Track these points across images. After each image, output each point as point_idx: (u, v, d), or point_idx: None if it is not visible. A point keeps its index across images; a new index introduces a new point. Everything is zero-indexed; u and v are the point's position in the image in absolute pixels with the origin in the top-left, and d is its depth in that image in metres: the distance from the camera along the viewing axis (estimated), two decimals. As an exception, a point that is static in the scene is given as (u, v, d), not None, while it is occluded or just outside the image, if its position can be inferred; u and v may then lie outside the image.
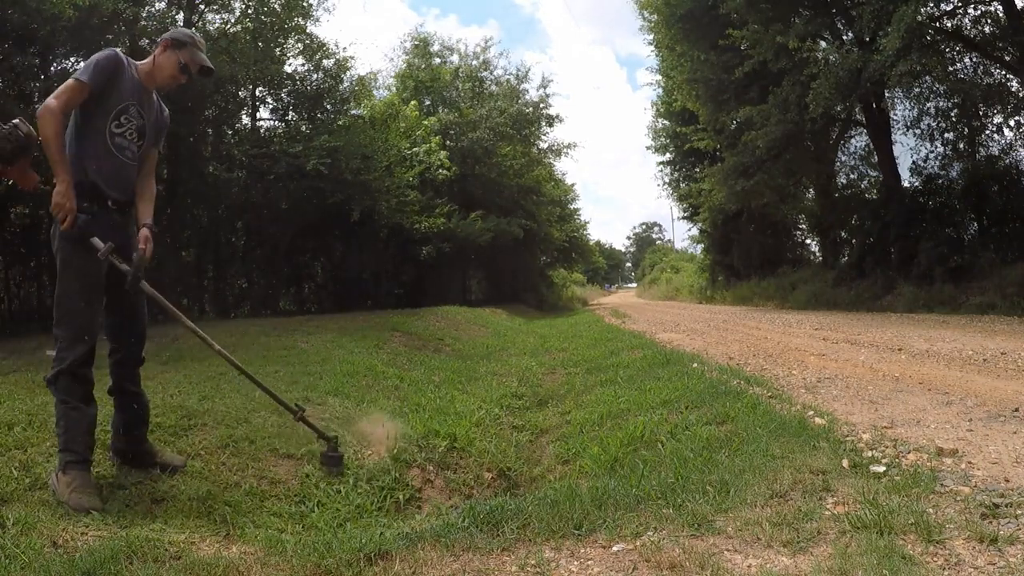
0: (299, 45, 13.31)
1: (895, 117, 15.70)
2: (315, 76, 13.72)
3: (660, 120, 27.30)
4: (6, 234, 11.13)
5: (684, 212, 30.73)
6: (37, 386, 4.06)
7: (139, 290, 2.74)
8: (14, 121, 2.61)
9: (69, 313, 2.65)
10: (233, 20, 12.26)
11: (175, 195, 12.12)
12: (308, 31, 13.19)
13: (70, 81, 2.68)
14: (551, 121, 23.79)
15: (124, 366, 2.86)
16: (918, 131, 15.34)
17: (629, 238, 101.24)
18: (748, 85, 15.68)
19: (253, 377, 3.18)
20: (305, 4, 12.74)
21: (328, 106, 13.77)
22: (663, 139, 27.41)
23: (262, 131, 14.00)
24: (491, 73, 23.71)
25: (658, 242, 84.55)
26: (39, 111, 2.59)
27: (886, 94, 14.72)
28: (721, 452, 2.77)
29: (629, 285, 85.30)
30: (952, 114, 14.76)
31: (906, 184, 15.14)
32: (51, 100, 2.60)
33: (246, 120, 14.09)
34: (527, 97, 23.32)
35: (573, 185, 40.14)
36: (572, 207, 31.52)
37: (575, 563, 1.75)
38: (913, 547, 1.65)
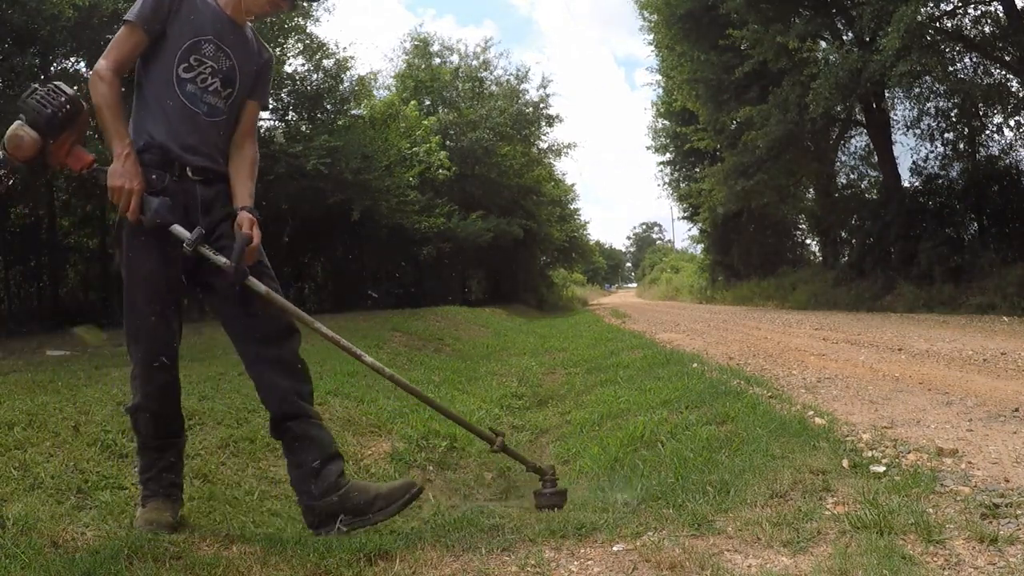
0: (299, 45, 13.30)
1: (895, 117, 15.71)
2: (315, 76, 13.72)
3: (660, 120, 27.33)
4: (6, 234, 11.13)
5: (684, 212, 30.76)
6: (37, 386, 4.06)
7: (246, 288, 2.11)
8: (56, 83, 2.11)
9: (138, 332, 2.15)
10: (233, 20, 12.26)
11: (175, 195, 12.13)
12: (308, 31, 13.19)
13: (120, 29, 2.15)
14: (551, 121, 23.80)
15: (283, 374, 2.21)
16: (918, 131, 15.35)
17: (629, 238, 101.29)
18: (748, 85, 15.69)
19: (435, 403, 2.55)
20: (305, 4, 12.73)
21: (328, 106, 13.77)
22: (663, 139, 27.43)
23: (262, 131, 13.99)
24: (491, 73, 23.71)
25: (658, 242, 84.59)
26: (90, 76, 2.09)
27: (886, 94, 14.72)
28: (721, 452, 2.77)
29: (629, 285, 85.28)
30: (952, 114, 14.76)
31: (906, 184, 15.16)
32: (100, 60, 2.09)
33: (246, 120, 14.09)
34: (527, 97, 23.32)
35: (573, 185, 40.31)
36: (572, 207, 31.52)
37: (575, 563, 1.75)
38: (913, 547, 1.65)
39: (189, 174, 2.11)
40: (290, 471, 2.22)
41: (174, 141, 2.08)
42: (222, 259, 2.06)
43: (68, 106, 2.03)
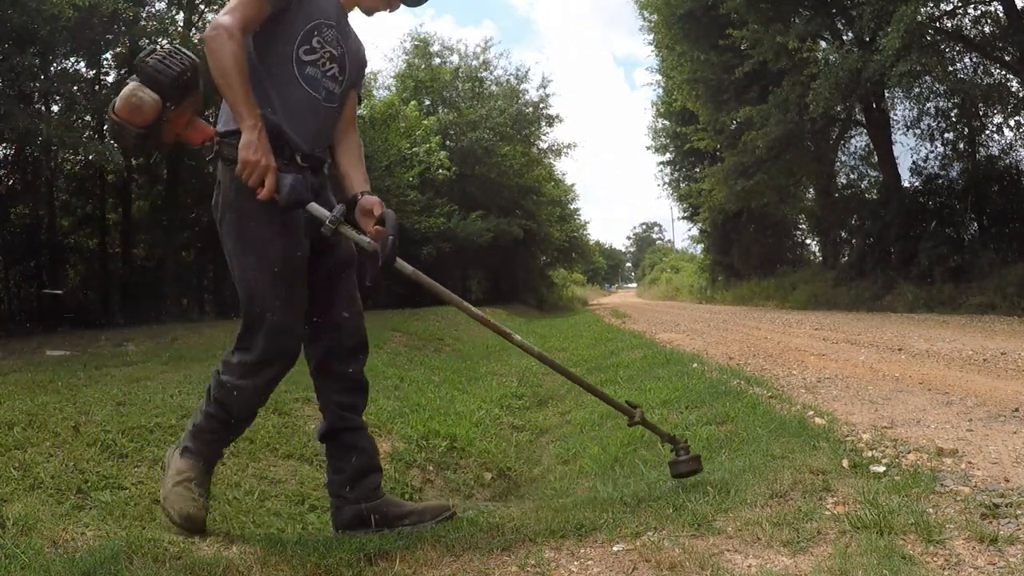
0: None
1: (895, 117, 15.72)
2: (315, 76, 13.73)
3: (660, 120, 27.34)
4: (6, 234, 11.14)
5: (684, 212, 30.78)
6: (37, 386, 4.06)
7: (393, 273, 2.02)
8: (173, 43, 1.94)
9: (260, 321, 1.97)
10: (233, 20, 12.26)
11: (175, 195, 12.13)
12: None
13: None
14: (551, 121, 23.84)
15: (347, 392, 2.15)
16: (918, 131, 15.37)
17: (629, 238, 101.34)
18: (748, 85, 15.70)
19: (580, 379, 2.57)
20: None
21: (328, 106, 13.78)
22: (663, 139, 27.44)
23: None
24: (491, 73, 23.75)
25: (658, 242, 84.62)
26: (205, 33, 1.86)
27: (886, 94, 14.73)
28: (721, 452, 2.77)
29: (629, 285, 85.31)
30: (952, 114, 14.77)
31: (906, 184, 15.16)
32: (222, 16, 1.85)
33: (246, 120, 14.10)
34: (527, 97, 23.36)
35: (573, 185, 40.29)
36: (572, 207, 31.58)
37: (575, 563, 1.75)
38: (913, 547, 1.65)
39: (298, 160, 1.97)
40: (329, 474, 2.18)
41: (289, 124, 1.93)
42: (365, 239, 1.96)
43: (191, 70, 1.87)
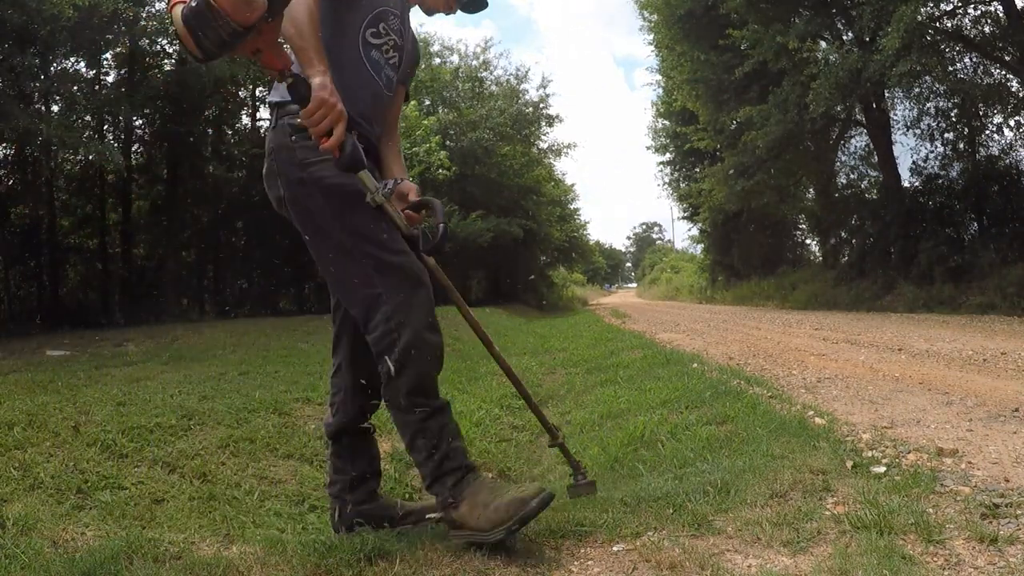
0: (299, 45, 13.31)
1: (895, 117, 15.72)
2: (315, 76, 13.73)
3: (660, 120, 27.35)
4: (6, 234, 11.14)
5: (684, 212, 30.77)
6: (37, 386, 4.06)
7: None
8: None
9: (402, 298, 1.80)
10: (233, 20, 12.27)
11: (175, 195, 12.13)
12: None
13: None
14: (551, 121, 23.81)
15: (374, 393, 2.03)
16: (918, 131, 15.36)
17: (629, 238, 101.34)
18: (748, 85, 15.70)
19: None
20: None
21: (328, 106, 13.79)
22: (663, 139, 27.44)
23: (262, 131, 14.00)
24: (491, 73, 23.72)
25: (658, 242, 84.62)
26: None
27: (886, 94, 14.73)
28: (721, 452, 2.77)
29: (629, 285, 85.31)
30: (952, 114, 14.76)
31: (906, 184, 15.16)
32: None
33: (246, 120, 14.12)
34: (527, 97, 23.34)
35: (573, 185, 40.30)
36: (572, 207, 31.55)
37: (575, 563, 1.75)
38: (913, 547, 1.65)
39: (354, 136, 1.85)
40: (331, 475, 2.12)
41: (348, 103, 1.79)
42: (404, 223, 1.87)
43: None
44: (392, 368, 1.79)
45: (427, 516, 1.98)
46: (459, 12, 2.18)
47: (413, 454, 1.86)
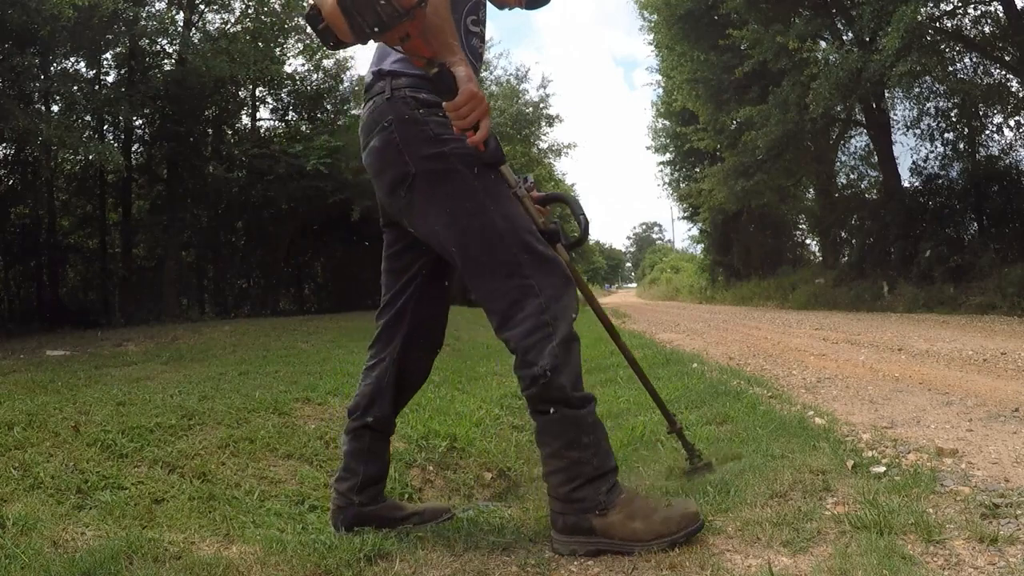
0: (299, 45, 13.33)
1: (895, 117, 15.73)
2: (315, 76, 13.75)
3: (660, 120, 27.33)
4: (6, 234, 11.15)
5: (684, 212, 30.76)
6: (37, 386, 4.06)
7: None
8: None
9: (513, 274, 1.70)
10: (233, 20, 12.29)
11: (175, 195, 12.13)
12: (308, 31, 13.20)
13: None
14: (551, 121, 23.76)
15: (392, 399, 2.00)
16: (918, 131, 15.36)
17: (629, 238, 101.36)
18: (748, 85, 15.70)
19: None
20: (305, 4, 12.75)
21: (328, 106, 13.80)
22: (663, 139, 27.43)
23: (262, 131, 14.03)
24: (491, 73, 23.68)
25: (658, 242, 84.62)
26: None
27: (886, 94, 14.73)
28: (721, 452, 2.76)
29: (629, 285, 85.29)
30: (952, 114, 14.77)
31: (906, 184, 15.17)
32: None
33: (246, 120, 14.13)
34: (527, 97, 23.30)
35: (573, 185, 40.21)
36: (572, 207, 31.47)
37: (575, 563, 1.75)
38: (913, 547, 1.65)
39: None
40: (342, 470, 2.05)
41: None
42: (540, 218, 1.83)
43: None
44: (549, 366, 1.68)
45: (438, 519, 1.98)
46: (524, 9, 2.09)
47: (570, 453, 1.71)
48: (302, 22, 12.97)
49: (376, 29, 1.52)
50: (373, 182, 1.87)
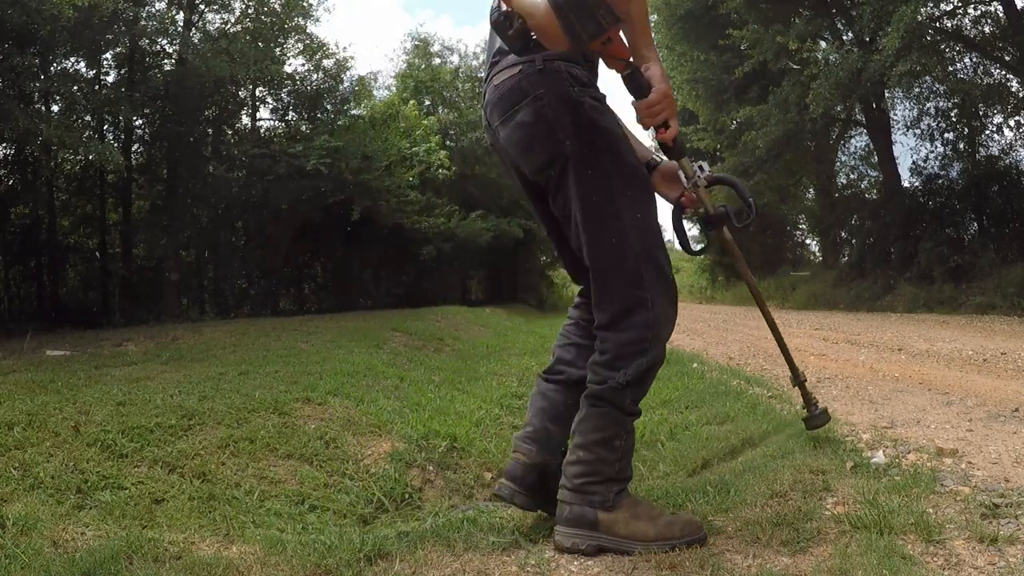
0: (299, 45, 13.33)
1: (895, 117, 15.74)
2: (315, 76, 13.74)
3: (660, 120, 27.27)
4: (6, 234, 11.14)
5: (684, 212, 30.68)
6: (37, 386, 4.06)
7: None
8: None
9: (657, 270, 1.72)
10: (233, 20, 12.29)
11: (175, 195, 12.13)
12: (308, 31, 13.21)
13: None
14: (551, 121, 23.77)
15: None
16: (918, 131, 15.38)
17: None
18: (748, 85, 15.70)
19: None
20: (305, 4, 12.76)
21: (328, 106, 13.79)
22: (663, 139, 27.38)
23: (262, 131, 14.02)
24: (491, 73, 23.71)
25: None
26: None
27: (886, 94, 14.74)
28: (721, 452, 2.77)
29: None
30: (952, 114, 14.77)
31: (906, 184, 15.18)
32: None
33: (246, 120, 14.12)
34: (527, 97, 23.30)
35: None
36: (572, 207, 31.48)
37: (575, 563, 1.75)
38: (913, 547, 1.65)
39: None
40: (570, 440, 1.88)
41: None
42: (711, 204, 1.85)
43: None
44: (629, 378, 1.72)
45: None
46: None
47: (599, 449, 1.74)
48: (302, 22, 12.97)
49: (592, 36, 1.52)
50: (512, 154, 1.81)
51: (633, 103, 1.67)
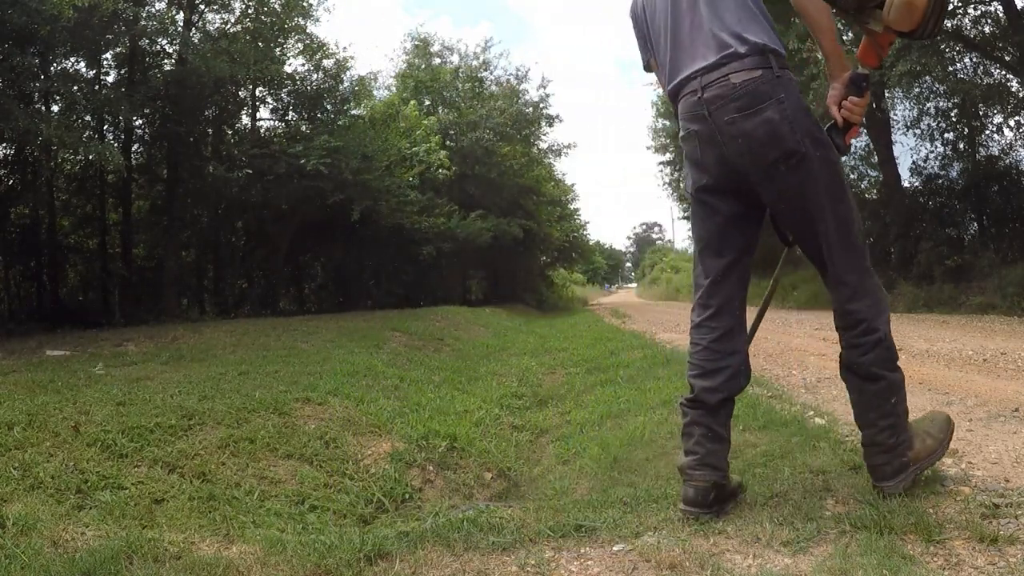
0: (299, 45, 13.31)
1: (895, 117, 15.70)
2: (315, 76, 13.73)
3: (660, 120, 27.34)
4: (6, 234, 11.14)
5: (684, 212, 30.75)
6: (37, 386, 4.06)
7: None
8: None
9: (862, 255, 2.00)
10: (233, 20, 12.27)
11: (175, 195, 12.13)
12: (308, 31, 13.20)
13: None
14: (551, 121, 23.78)
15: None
16: (918, 131, 15.34)
17: (629, 238, 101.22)
18: (748, 85, 15.66)
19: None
20: (305, 4, 12.75)
21: (328, 106, 13.78)
22: (663, 139, 27.45)
23: (262, 131, 14.00)
24: (491, 73, 23.70)
25: (658, 242, 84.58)
26: None
27: (886, 94, 14.71)
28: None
29: (629, 285, 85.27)
30: (952, 114, 14.75)
31: (906, 184, 15.14)
32: None
33: (246, 120, 14.10)
34: (527, 97, 23.32)
35: (573, 185, 40.20)
36: (572, 207, 31.49)
37: (575, 563, 1.75)
38: (913, 547, 1.65)
39: None
40: (707, 442, 2.01)
41: None
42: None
43: None
44: (887, 331, 2.03)
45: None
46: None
47: (899, 407, 2.02)
48: (302, 21, 12.96)
49: (936, 26, 1.76)
50: (742, 144, 1.94)
51: (854, 99, 1.92)
